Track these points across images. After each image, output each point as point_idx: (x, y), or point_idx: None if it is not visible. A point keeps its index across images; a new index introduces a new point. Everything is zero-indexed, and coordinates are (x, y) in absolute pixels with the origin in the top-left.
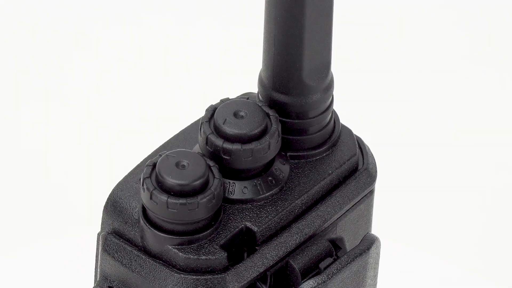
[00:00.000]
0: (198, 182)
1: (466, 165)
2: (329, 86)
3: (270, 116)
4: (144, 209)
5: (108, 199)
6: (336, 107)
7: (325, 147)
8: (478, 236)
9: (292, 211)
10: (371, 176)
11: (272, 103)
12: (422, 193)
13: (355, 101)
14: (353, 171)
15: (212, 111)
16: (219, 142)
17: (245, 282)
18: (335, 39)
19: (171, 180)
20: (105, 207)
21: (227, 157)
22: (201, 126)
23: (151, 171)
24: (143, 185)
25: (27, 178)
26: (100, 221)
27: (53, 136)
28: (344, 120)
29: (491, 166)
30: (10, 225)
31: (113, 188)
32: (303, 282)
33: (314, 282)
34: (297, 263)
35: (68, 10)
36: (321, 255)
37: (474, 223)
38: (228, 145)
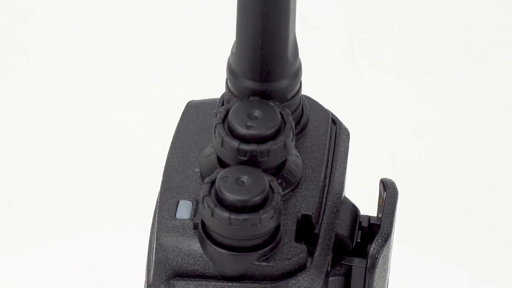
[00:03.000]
0: (266, 191)
1: (467, 165)
2: (300, 62)
3: (276, 106)
4: (212, 238)
5: (158, 247)
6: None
7: (304, 119)
8: (477, 236)
9: (323, 185)
10: (347, 130)
11: (257, 94)
12: (419, 192)
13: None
14: (332, 130)
15: (222, 123)
16: (253, 147)
17: (327, 266)
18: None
19: (243, 197)
20: (158, 257)
21: (265, 159)
22: (222, 142)
23: (213, 199)
24: (213, 216)
25: (25, 179)
26: (149, 274)
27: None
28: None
29: (494, 166)
30: (9, 227)
31: (153, 238)
32: (354, 245)
33: (381, 239)
34: (343, 231)
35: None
36: (353, 215)
37: (473, 223)
38: (263, 147)
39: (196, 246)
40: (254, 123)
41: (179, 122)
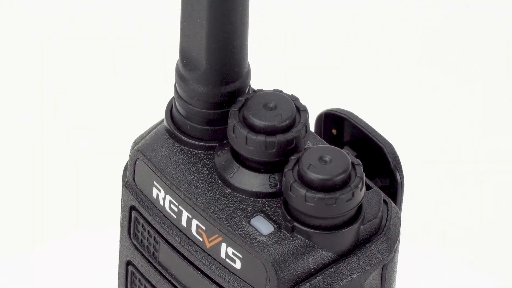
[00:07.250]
0: (349, 158)
1: (473, 166)
2: None
3: (275, 90)
4: (322, 227)
5: (272, 269)
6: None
7: None
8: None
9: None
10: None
11: (226, 96)
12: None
13: None
14: None
15: (251, 132)
16: (296, 132)
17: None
18: None
19: (341, 170)
20: (278, 274)
21: (305, 137)
22: (266, 145)
23: (315, 191)
24: (328, 204)
25: (25, 179)
26: None
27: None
28: None
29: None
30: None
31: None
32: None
33: (392, 153)
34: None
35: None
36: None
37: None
38: (301, 126)
39: (308, 245)
40: (275, 112)
41: (153, 163)
